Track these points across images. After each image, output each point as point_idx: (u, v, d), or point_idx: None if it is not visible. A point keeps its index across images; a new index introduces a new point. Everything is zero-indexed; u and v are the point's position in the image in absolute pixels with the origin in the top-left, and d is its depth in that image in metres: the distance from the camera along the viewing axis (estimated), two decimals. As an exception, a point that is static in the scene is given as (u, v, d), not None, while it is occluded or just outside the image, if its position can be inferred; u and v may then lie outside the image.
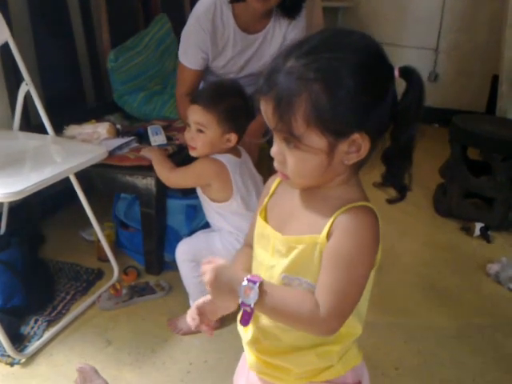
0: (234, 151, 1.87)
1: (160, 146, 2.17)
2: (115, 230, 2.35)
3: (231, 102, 1.79)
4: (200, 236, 1.94)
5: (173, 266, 2.10)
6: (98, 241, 2.21)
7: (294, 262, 0.91)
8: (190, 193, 1.98)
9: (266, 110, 0.86)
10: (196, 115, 1.79)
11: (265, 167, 2.38)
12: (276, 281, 0.94)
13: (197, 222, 2.17)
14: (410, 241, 2.70)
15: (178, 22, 2.91)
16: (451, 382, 1.77)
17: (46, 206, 2.53)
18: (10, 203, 2.17)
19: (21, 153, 1.95)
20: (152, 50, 2.82)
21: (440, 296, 2.23)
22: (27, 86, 2.00)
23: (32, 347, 1.78)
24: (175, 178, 1.91)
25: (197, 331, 1.89)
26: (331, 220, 0.87)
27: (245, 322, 0.93)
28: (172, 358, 1.79)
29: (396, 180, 0.92)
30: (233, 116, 1.78)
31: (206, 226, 2.03)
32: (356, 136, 0.84)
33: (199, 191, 1.92)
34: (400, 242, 2.64)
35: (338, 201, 0.89)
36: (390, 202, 0.94)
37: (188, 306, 1.74)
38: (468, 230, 2.75)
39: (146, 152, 2.06)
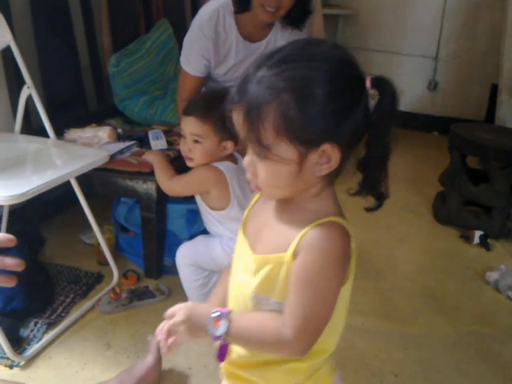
0: (230, 158, 1.88)
1: (161, 151, 2.18)
2: (115, 233, 2.35)
3: (225, 110, 1.79)
4: (201, 240, 1.94)
5: (172, 271, 2.10)
6: (98, 244, 2.21)
7: (262, 282, 0.91)
8: (190, 197, 1.98)
9: (237, 119, 0.87)
10: (192, 127, 1.78)
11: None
12: (248, 299, 0.93)
13: (197, 226, 2.17)
14: (409, 248, 2.71)
15: (180, 28, 2.93)
16: (450, 389, 1.78)
17: (47, 209, 2.52)
18: (11, 206, 2.17)
19: (22, 156, 1.95)
20: (153, 55, 2.83)
21: (439, 304, 2.23)
22: (29, 90, 2.01)
23: (31, 350, 1.78)
24: (174, 186, 1.90)
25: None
26: (298, 238, 0.86)
27: (221, 358, 0.93)
28: (171, 362, 1.79)
29: (373, 188, 0.91)
30: (228, 123, 1.78)
31: (207, 230, 2.03)
32: (326, 146, 0.83)
33: (199, 200, 1.91)
34: (399, 250, 2.64)
35: (308, 214, 0.88)
36: (368, 210, 0.93)
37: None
38: (467, 238, 2.76)
39: (148, 156, 2.05)
